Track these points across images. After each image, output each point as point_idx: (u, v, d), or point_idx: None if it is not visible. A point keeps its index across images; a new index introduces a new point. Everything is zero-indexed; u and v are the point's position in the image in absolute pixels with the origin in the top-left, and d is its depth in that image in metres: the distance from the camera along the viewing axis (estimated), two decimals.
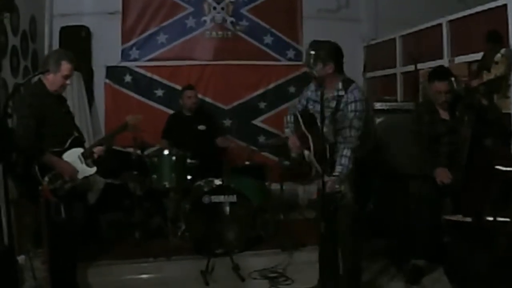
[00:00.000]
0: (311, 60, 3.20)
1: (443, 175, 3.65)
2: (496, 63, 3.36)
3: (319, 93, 3.22)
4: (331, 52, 3.30)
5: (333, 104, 3.29)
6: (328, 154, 3.22)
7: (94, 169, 3.58)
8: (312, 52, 3.23)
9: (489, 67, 3.38)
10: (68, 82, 3.46)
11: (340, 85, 3.30)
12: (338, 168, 3.19)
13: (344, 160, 3.21)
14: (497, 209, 3.22)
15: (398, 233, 4.35)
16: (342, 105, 3.25)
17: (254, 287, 3.97)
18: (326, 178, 3.05)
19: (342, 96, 3.26)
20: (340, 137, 3.28)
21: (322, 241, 3.54)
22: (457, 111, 3.74)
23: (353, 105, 3.24)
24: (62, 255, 3.25)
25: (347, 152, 3.22)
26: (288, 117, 3.67)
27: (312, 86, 3.52)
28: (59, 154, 3.40)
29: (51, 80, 3.39)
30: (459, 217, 3.38)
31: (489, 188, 3.31)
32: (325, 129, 3.19)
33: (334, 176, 3.14)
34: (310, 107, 3.51)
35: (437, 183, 3.69)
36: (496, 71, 3.37)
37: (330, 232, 3.23)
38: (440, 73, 3.79)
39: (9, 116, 3.17)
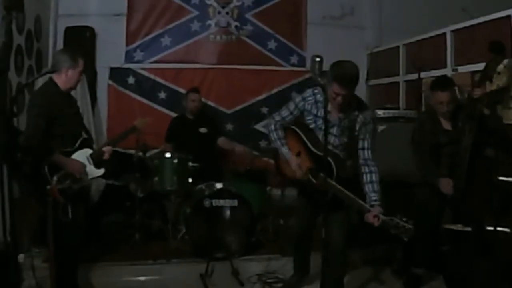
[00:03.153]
0: (316, 68, 3.20)
1: (447, 186, 3.65)
2: (499, 73, 3.35)
3: (321, 106, 3.18)
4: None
5: (345, 123, 3.22)
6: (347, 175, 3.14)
7: (102, 170, 3.59)
8: (318, 59, 3.24)
9: (491, 77, 3.38)
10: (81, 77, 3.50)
11: (354, 104, 3.24)
12: (374, 196, 3.15)
13: (376, 186, 3.18)
14: (498, 219, 3.23)
15: (400, 241, 4.35)
16: (358, 125, 3.20)
17: None
18: (371, 210, 3.04)
19: (357, 116, 3.20)
20: (360, 159, 3.24)
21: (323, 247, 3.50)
22: (459, 121, 3.74)
23: (369, 126, 3.23)
24: (65, 255, 3.25)
25: (375, 176, 3.20)
26: (275, 133, 3.44)
27: (311, 98, 3.30)
28: (69, 155, 3.42)
29: (69, 77, 3.41)
30: (459, 227, 3.39)
31: (490, 198, 3.32)
32: (339, 148, 3.25)
33: (375, 204, 3.10)
34: (309, 121, 3.34)
35: (438, 192, 3.69)
36: (499, 81, 3.37)
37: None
38: (442, 83, 3.79)
39: (15, 115, 3.18)
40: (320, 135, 3.22)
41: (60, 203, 3.15)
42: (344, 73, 3.03)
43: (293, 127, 3.43)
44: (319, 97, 3.26)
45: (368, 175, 3.19)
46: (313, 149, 3.28)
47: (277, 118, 3.46)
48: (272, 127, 3.45)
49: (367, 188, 3.18)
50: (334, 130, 3.25)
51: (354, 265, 4.24)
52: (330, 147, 3.19)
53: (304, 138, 3.34)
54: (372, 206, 3.08)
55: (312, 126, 3.32)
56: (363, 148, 3.23)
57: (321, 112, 3.21)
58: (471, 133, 3.43)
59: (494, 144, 3.56)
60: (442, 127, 3.84)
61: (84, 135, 3.60)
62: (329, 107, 3.13)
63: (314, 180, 3.23)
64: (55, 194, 3.02)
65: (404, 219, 2.94)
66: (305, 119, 3.36)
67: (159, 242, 4.67)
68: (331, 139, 3.24)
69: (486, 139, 3.53)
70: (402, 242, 3.83)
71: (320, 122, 3.24)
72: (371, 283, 4.06)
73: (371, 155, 3.23)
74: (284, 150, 3.39)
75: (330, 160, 3.10)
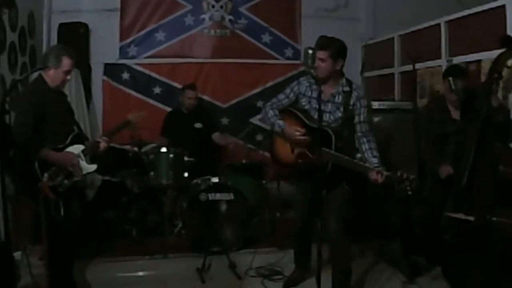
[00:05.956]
0: (309, 60, 3.25)
1: (444, 173, 3.71)
2: (508, 67, 3.37)
3: (315, 88, 3.38)
4: (343, 49, 3.37)
5: (338, 99, 3.35)
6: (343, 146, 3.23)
7: (95, 166, 3.55)
8: (310, 51, 3.27)
9: (500, 70, 3.38)
10: (68, 77, 3.45)
11: (344, 81, 3.40)
12: (374, 160, 3.26)
13: (375, 152, 3.31)
14: (501, 209, 3.22)
15: (398, 232, 4.35)
16: (353, 100, 3.35)
17: (250, 285, 3.97)
18: (371, 172, 3.11)
19: (349, 91, 3.35)
20: (357, 133, 3.38)
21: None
22: (467, 112, 3.74)
23: (363, 101, 3.37)
24: (60, 252, 3.24)
25: (374, 144, 3.34)
26: (272, 111, 3.59)
27: (305, 81, 3.51)
28: (60, 151, 3.37)
29: (52, 76, 3.38)
30: (461, 215, 3.38)
31: (494, 188, 3.30)
32: (334, 124, 3.34)
33: (377, 168, 3.15)
34: (304, 103, 3.50)
35: (438, 182, 3.70)
36: (508, 76, 3.39)
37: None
38: (456, 71, 3.80)
39: (7, 113, 3.16)
40: (315, 114, 3.33)
41: (52, 200, 3.14)
42: (319, 39, 3.39)
43: (290, 108, 3.56)
44: (312, 80, 3.45)
45: (367, 144, 3.33)
46: (309, 123, 3.39)
47: (274, 100, 3.64)
48: (268, 107, 3.63)
49: (367, 155, 3.30)
50: (328, 107, 3.38)
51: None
52: (325, 124, 3.31)
53: (300, 115, 3.46)
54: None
55: (306, 107, 3.48)
56: (359, 122, 3.37)
57: (314, 93, 3.39)
58: (478, 124, 3.42)
59: (499, 135, 3.55)
60: (450, 116, 3.84)
61: (76, 131, 3.56)
62: (322, 87, 3.26)
63: (311, 156, 3.33)
64: (46, 191, 3.01)
65: (406, 174, 2.99)
66: (300, 102, 3.53)
67: (155, 237, 4.68)
68: (326, 116, 3.36)
69: (493, 130, 3.51)
70: (398, 234, 3.85)
71: (314, 102, 3.41)
72: (369, 274, 4.06)
73: (368, 127, 3.38)
74: (280, 122, 3.51)
75: (328, 130, 3.25)
